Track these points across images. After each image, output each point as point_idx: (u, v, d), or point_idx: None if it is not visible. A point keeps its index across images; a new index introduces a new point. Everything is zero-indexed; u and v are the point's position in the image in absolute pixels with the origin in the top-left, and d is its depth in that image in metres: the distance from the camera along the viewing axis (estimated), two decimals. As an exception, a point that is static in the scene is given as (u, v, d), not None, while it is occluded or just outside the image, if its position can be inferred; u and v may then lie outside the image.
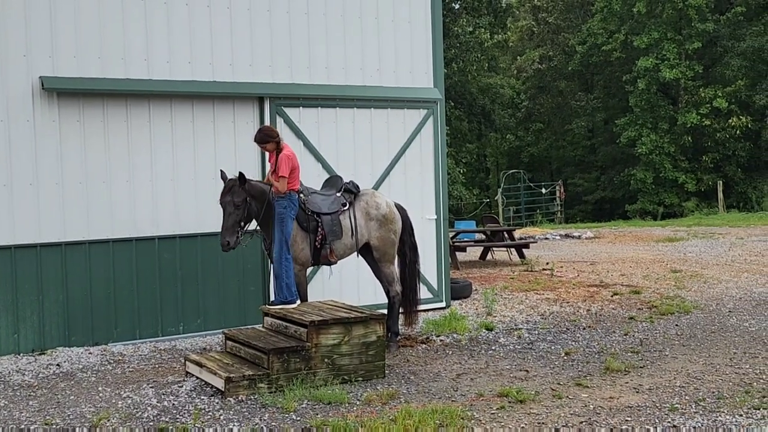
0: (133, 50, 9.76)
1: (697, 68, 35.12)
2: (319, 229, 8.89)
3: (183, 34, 10.03)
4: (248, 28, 10.41)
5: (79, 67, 9.48)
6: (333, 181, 9.48)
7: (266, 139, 8.62)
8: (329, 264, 9.20)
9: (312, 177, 10.01)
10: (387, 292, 9.55)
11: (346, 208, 9.17)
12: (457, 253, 17.02)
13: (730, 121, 34.15)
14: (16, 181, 9.22)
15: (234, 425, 6.45)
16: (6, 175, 9.16)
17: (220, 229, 8.54)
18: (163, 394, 7.40)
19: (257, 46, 10.48)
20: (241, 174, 8.47)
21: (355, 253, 9.41)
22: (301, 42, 10.77)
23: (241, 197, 8.46)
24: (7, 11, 9.15)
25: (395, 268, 9.56)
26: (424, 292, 11.48)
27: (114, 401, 7.24)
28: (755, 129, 34.86)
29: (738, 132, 34.18)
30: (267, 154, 9.04)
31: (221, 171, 8.73)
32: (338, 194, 9.21)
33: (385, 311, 9.29)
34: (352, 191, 9.31)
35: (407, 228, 9.62)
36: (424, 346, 9.41)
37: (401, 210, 9.65)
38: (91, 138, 9.58)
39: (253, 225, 8.82)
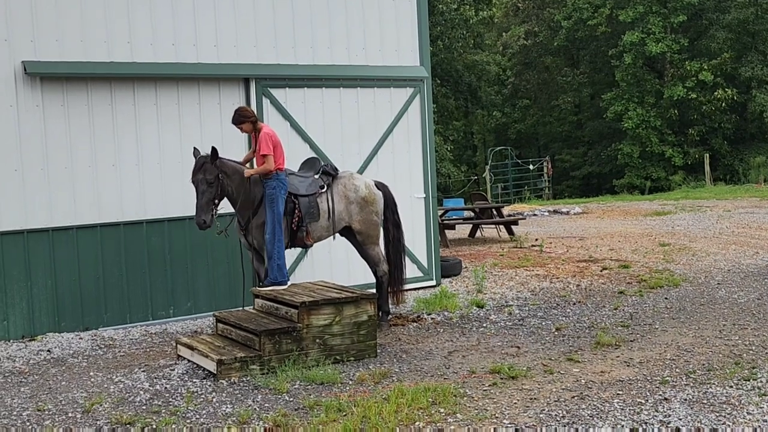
0: (116, 33, 9.66)
1: (682, 41, 35.12)
2: (296, 211, 8.82)
3: (166, 15, 9.93)
4: (232, 8, 10.32)
5: (62, 51, 9.38)
6: (311, 163, 9.40)
7: (241, 119, 8.55)
8: (305, 246, 9.16)
9: (299, 158, 9.95)
10: (375, 273, 9.54)
11: (323, 190, 9.10)
12: (446, 230, 17.03)
13: (716, 93, 34.22)
14: (1, 167, 9.14)
15: (227, 407, 6.45)
16: (-9, 162, 9.10)
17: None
18: (155, 378, 7.38)
19: (242, 27, 10.39)
20: (213, 149, 8.40)
21: (332, 236, 9.36)
22: (286, 22, 10.69)
23: (213, 174, 8.39)
24: (-14, -5, 9.05)
25: (380, 249, 9.54)
26: (414, 271, 11.52)
27: (106, 386, 7.22)
28: (741, 101, 34.94)
29: (724, 105, 34.26)
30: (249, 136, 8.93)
31: (194, 148, 8.65)
32: (316, 176, 9.14)
33: (375, 290, 9.30)
34: (330, 173, 9.24)
35: (390, 205, 9.56)
36: (415, 324, 9.42)
37: (382, 188, 9.58)
38: (75, 122, 9.50)
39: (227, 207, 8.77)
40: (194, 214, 8.44)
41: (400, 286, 9.61)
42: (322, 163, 9.33)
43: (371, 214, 9.32)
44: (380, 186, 9.57)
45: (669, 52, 34.96)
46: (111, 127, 9.68)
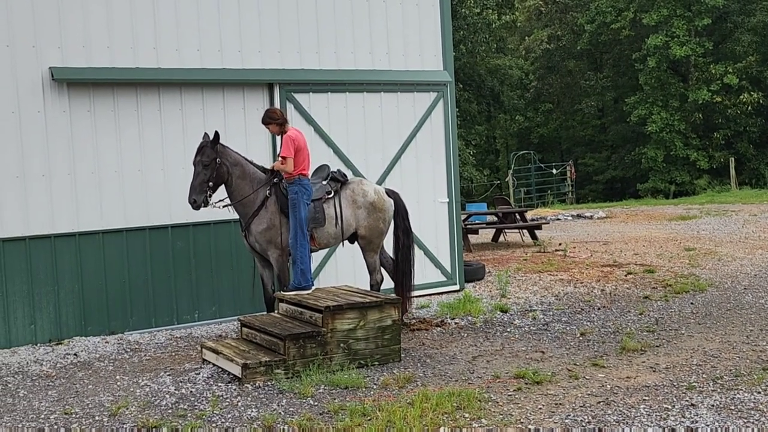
0: (142, 39, 9.75)
1: (707, 45, 34.83)
2: None
3: (191, 21, 10.00)
4: (257, 14, 10.38)
5: (88, 57, 9.48)
6: (320, 170, 9.43)
7: (266, 119, 8.77)
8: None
9: (323, 162, 9.98)
10: (370, 281, 9.55)
11: (330, 196, 9.12)
12: (469, 235, 17.00)
13: (741, 97, 33.90)
14: (29, 172, 9.24)
15: (252, 411, 6.47)
16: (18, 167, 9.19)
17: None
18: (181, 382, 7.43)
19: (266, 33, 10.45)
20: (215, 133, 8.60)
21: (341, 243, 9.37)
22: (310, 27, 10.73)
23: (209, 157, 8.56)
24: (14, 2, 9.14)
25: (378, 258, 9.52)
26: (437, 275, 11.54)
27: (132, 390, 7.28)
28: (767, 105, 34.59)
29: (749, 108, 33.94)
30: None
31: (205, 133, 8.81)
32: (324, 182, 9.18)
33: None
34: (338, 179, 9.26)
35: (400, 212, 9.55)
36: (439, 329, 9.41)
37: (393, 195, 9.58)
38: (102, 128, 9.59)
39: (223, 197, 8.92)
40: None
41: (409, 293, 9.57)
42: (331, 170, 9.36)
43: (378, 221, 9.31)
44: (391, 193, 9.57)
45: (693, 56, 34.69)
46: (137, 132, 9.76)
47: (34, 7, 9.23)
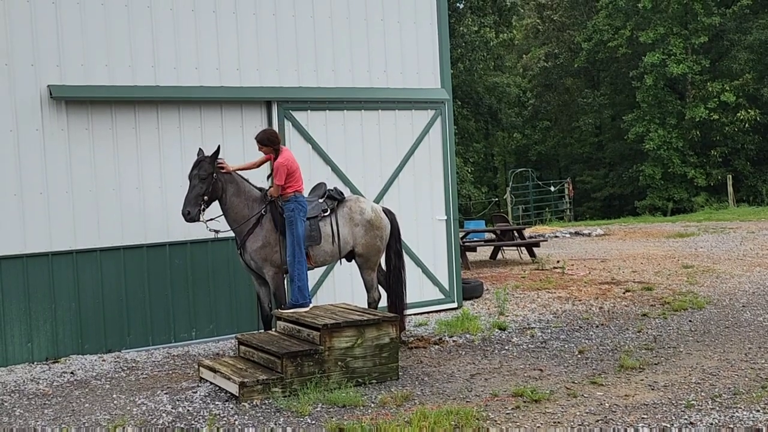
0: (140, 57, 9.78)
1: (703, 62, 34.98)
2: None
3: (189, 39, 10.04)
4: (254, 32, 10.42)
5: (87, 75, 9.50)
6: (317, 188, 9.44)
7: (264, 140, 8.69)
8: None
9: (321, 180, 9.99)
10: (367, 298, 9.53)
11: (326, 213, 9.11)
12: (467, 253, 16.99)
13: (738, 114, 34.00)
14: (27, 190, 9.24)
15: (249, 430, 6.44)
16: (16, 185, 9.19)
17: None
18: (178, 400, 7.40)
19: (264, 51, 10.48)
20: (217, 148, 8.68)
21: (338, 261, 9.36)
22: (308, 45, 10.77)
23: (206, 171, 8.59)
24: (13, 21, 9.18)
25: (375, 276, 9.51)
26: (435, 293, 11.52)
27: (129, 408, 7.24)
28: (764, 122, 34.68)
29: (746, 125, 34.03)
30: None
31: (199, 149, 8.84)
32: (320, 200, 9.17)
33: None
34: (335, 197, 9.25)
35: (395, 233, 9.51)
36: (437, 347, 9.39)
37: (389, 214, 9.56)
38: (100, 145, 9.60)
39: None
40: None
41: (402, 314, 9.52)
42: (327, 188, 9.36)
43: (375, 238, 9.29)
44: (388, 213, 9.55)
45: (690, 73, 34.82)
46: (135, 150, 9.77)
47: (33, 26, 9.26)
